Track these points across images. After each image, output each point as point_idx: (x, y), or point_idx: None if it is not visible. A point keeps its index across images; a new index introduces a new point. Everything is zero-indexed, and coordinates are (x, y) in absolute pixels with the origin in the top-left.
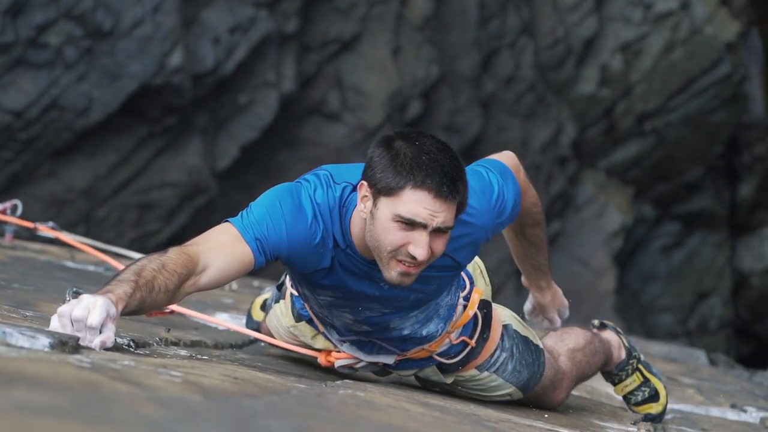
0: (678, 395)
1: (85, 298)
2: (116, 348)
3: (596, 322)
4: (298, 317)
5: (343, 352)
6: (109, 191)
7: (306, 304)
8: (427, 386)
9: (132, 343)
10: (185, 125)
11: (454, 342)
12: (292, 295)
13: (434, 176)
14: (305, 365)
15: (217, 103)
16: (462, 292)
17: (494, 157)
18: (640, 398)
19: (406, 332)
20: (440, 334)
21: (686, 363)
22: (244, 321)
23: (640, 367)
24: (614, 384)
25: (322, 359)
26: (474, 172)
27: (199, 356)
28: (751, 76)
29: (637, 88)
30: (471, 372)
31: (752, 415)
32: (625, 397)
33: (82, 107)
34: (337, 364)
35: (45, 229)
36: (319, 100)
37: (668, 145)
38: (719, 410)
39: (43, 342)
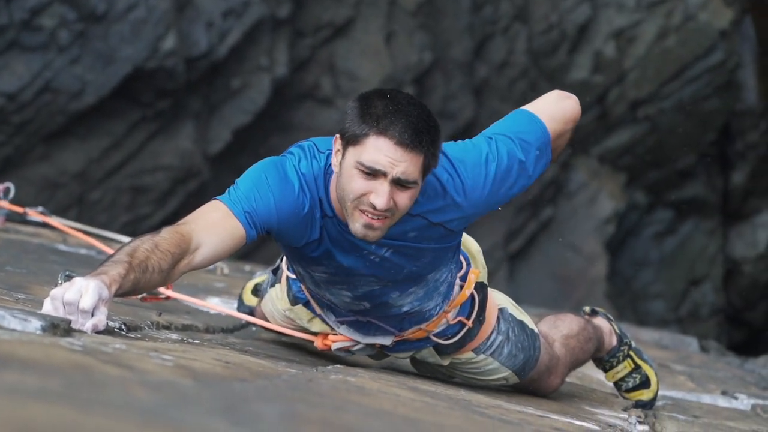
0: (669, 382)
1: (78, 281)
2: (108, 331)
3: (587, 308)
4: (294, 300)
5: (340, 334)
6: (102, 175)
7: (302, 286)
8: (423, 370)
9: (123, 327)
10: (178, 109)
11: (452, 322)
12: (288, 278)
13: (397, 124)
14: (296, 350)
15: (210, 87)
16: (459, 272)
17: (530, 106)
18: (631, 385)
19: (405, 309)
20: (438, 313)
21: (677, 350)
22: (235, 305)
23: (631, 353)
24: (605, 370)
25: (318, 342)
26: (475, 145)
27: (190, 340)
28: (745, 64)
29: (631, 74)
30: (467, 355)
31: (743, 402)
32: (616, 384)
33: (76, 90)
34: (334, 347)
35: (35, 214)
36: (312, 85)
37: (661, 132)
38: (710, 397)
39: (35, 325)
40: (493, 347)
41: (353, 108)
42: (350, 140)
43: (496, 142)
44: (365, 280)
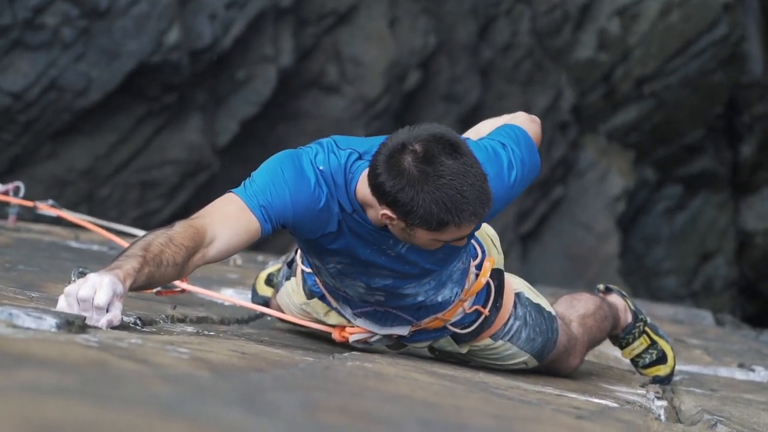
0: (685, 356)
1: (92, 278)
2: (123, 326)
3: (601, 286)
4: (310, 294)
5: (357, 326)
6: (110, 171)
7: (317, 279)
8: (441, 357)
9: (138, 321)
10: (184, 102)
11: (468, 311)
12: (303, 272)
13: (476, 211)
14: (312, 338)
15: (216, 79)
16: (474, 260)
17: (511, 121)
18: (647, 361)
19: (420, 299)
20: (454, 301)
21: (693, 324)
22: (249, 296)
23: (647, 329)
24: (621, 347)
25: (336, 335)
26: (496, 153)
27: (205, 332)
28: (749, 36)
29: (635, 51)
30: (485, 341)
31: (760, 374)
32: (632, 361)
33: (81, 87)
34: (352, 338)
35: (45, 207)
36: (317, 73)
37: (668, 107)
38: (727, 370)
39: (49, 322)
40: (511, 333)
41: (411, 198)
42: (422, 227)
43: (512, 151)
44: (381, 273)
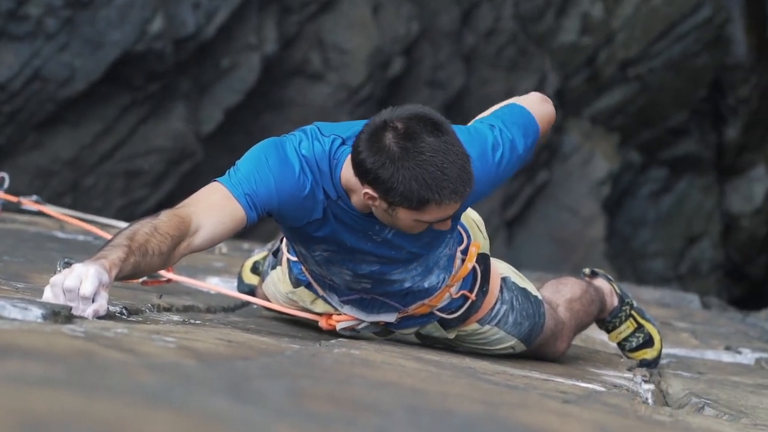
0: (672, 340)
1: (77, 268)
2: (109, 316)
3: (587, 270)
4: (296, 282)
5: (344, 314)
6: (95, 160)
7: (303, 267)
8: (428, 343)
9: (124, 311)
10: (168, 91)
11: (455, 296)
12: (289, 260)
13: (457, 188)
14: (299, 326)
15: (200, 67)
16: (459, 246)
17: (519, 101)
18: (634, 344)
19: (407, 285)
20: (441, 287)
21: (679, 307)
22: (235, 284)
23: (633, 313)
24: (608, 331)
25: (323, 323)
26: (479, 133)
27: (192, 321)
28: (733, 18)
29: (619, 35)
30: (473, 326)
31: (747, 357)
32: (619, 344)
33: (65, 77)
34: (339, 326)
35: (29, 203)
36: (301, 61)
37: (652, 90)
38: (714, 353)
39: (35, 313)
40: (498, 317)
41: (391, 175)
42: (403, 206)
43: (500, 131)
44: (367, 259)
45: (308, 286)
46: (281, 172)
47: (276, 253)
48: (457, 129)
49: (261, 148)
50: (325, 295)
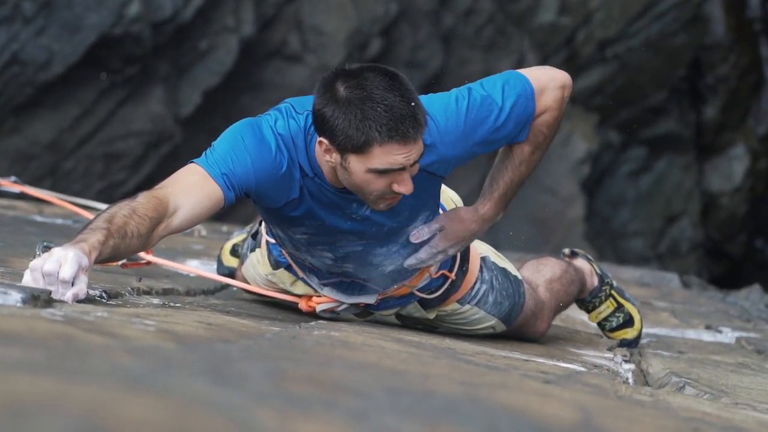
0: (652, 319)
1: (56, 252)
2: (89, 300)
3: (567, 250)
4: (276, 264)
5: (324, 296)
6: (74, 143)
7: (283, 250)
8: (408, 324)
9: (104, 294)
10: (147, 74)
11: (434, 276)
12: (268, 242)
13: (398, 126)
14: (278, 308)
15: (178, 50)
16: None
17: (525, 72)
18: (614, 324)
19: (390, 269)
20: (420, 268)
21: (659, 287)
22: (214, 267)
23: (613, 293)
24: (588, 311)
25: (302, 305)
26: (441, 95)
27: (171, 304)
28: None
29: (597, 14)
30: (452, 306)
31: (728, 336)
32: (599, 324)
33: (43, 61)
34: (319, 308)
35: (8, 184)
36: (279, 43)
37: (630, 70)
38: (695, 332)
39: (15, 297)
40: (478, 297)
41: (334, 115)
42: (348, 149)
43: (469, 88)
44: (347, 238)
45: (288, 268)
46: (258, 151)
47: (255, 235)
48: (422, 97)
49: (237, 129)
50: (304, 277)
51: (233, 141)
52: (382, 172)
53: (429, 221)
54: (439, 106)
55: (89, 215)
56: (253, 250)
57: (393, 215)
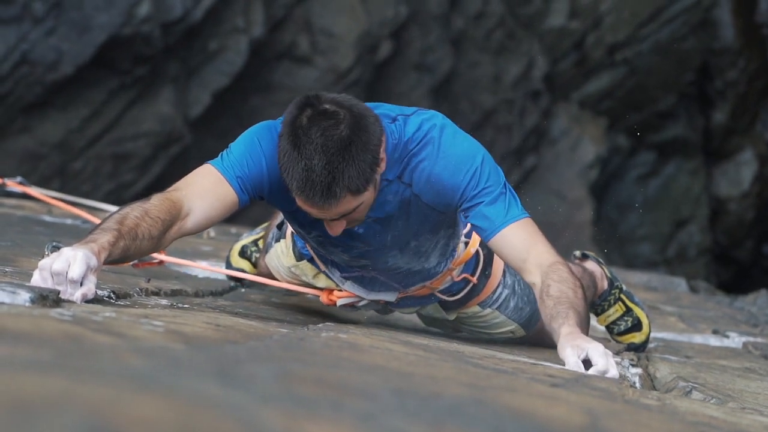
0: (660, 324)
1: (65, 252)
2: (97, 300)
3: (578, 253)
4: (299, 256)
5: (345, 290)
6: (83, 144)
7: (306, 243)
8: (430, 324)
9: (113, 295)
10: (156, 75)
11: (456, 279)
12: (293, 233)
13: (305, 188)
14: (286, 309)
15: (188, 51)
16: (464, 229)
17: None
18: (623, 328)
19: (407, 267)
20: (442, 270)
21: (667, 291)
22: (222, 269)
23: (622, 296)
24: (597, 314)
25: (323, 298)
26: (468, 149)
27: (180, 305)
28: (720, 2)
29: (607, 18)
30: (473, 309)
31: (735, 340)
32: (608, 327)
33: (52, 61)
34: (339, 302)
35: (14, 185)
36: (289, 44)
37: (640, 74)
38: (702, 337)
39: (23, 297)
40: (500, 301)
41: (280, 140)
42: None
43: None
44: (355, 244)
45: (311, 260)
46: (273, 155)
47: (281, 226)
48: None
49: (254, 131)
50: (326, 271)
51: (250, 143)
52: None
53: (446, 235)
54: (458, 166)
55: (93, 219)
56: (278, 240)
57: (386, 229)
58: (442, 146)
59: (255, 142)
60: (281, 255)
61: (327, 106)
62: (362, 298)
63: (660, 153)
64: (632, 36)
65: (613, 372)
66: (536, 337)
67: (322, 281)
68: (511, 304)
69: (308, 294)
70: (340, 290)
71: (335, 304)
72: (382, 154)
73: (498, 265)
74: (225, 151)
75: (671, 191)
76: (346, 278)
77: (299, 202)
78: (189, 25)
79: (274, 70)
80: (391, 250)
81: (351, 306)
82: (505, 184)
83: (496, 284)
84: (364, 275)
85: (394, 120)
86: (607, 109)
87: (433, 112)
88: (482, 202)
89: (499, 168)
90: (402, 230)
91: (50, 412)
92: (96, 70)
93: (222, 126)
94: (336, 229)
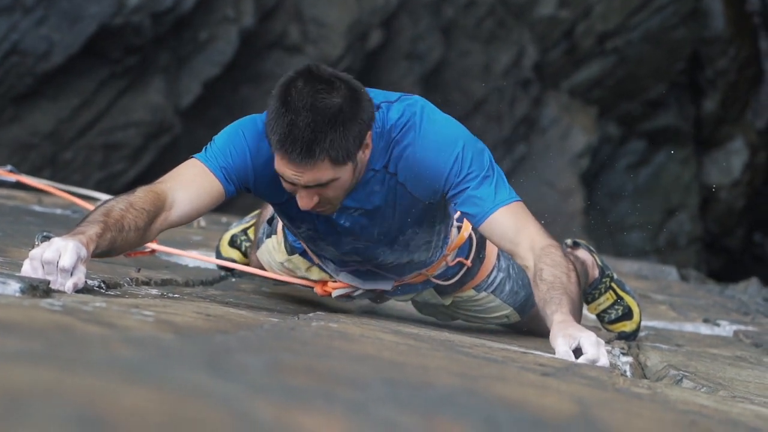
0: (651, 312)
1: (56, 241)
2: (87, 290)
3: (569, 241)
4: (291, 250)
5: (340, 281)
6: (74, 134)
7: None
8: (425, 311)
9: (103, 285)
10: (147, 64)
11: (451, 264)
12: (284, 228)
13: (285, 143)
14: (277, 299)
15: (178, 41)
16: (456, 213)
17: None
18: (613, 316)
19: (401, 260)
20: (437, 259)
21: (657, 280)
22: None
23: (613, 285)
24: (587, 303)
25: (318, 289)
26: (453, 134)
27: (170, 295)
28: None
29: (597, 7)
30: (469, 292)
31: (725, 329)
32: (598, 316)
33: (43, 51)
34: (335, 294)
35: (4, 173)
36: (279, 34)
37: (630, 63)
38: (692, 325)
39: (13, 287)
40: (495, 284)
41: (270, 105)
42: (270, 143)
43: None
44: (344, 239)
45: (303, 253)
46: (257, 146)
47: (271, 221)
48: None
49: (239, 123)
50: (320, 264)
51: (234, 135)
52: (282, 177)
53: (441, 221)
54: (436, 150)
55: (85, 204)
56: (269, 236)
57: (373, 223)
58: (423, 131)
59: (239, 133)
60: (273, 250)
61: (325, 75)
62: (358, 288)
63: (650, 142)
64: (622, 25)
65: (604, 361)
66: (530, 324)
67: (315, 274)
68: (507, 287)
69: (301, 285)
70: (335, 281)
71: (330, 295)
72: (368, 140)
73: (492, 249)
74: (209, 143)
75: (662, 180)
76: (341, 270)
77: (277, 161)
78: (179, 15)
79: (264, 59)
80: (379, 246)
81: (347, 296)
82: (490, 167)
83: (491, 268)
84: (359, 268)
85: (378, 107)
86: (598, 98)
87: (416, 97)
88: (468, 187)
89: (484, 151)
90: (389, 223)
91: (40, 402)
92: (86, 59)
93: (212, 116)
94: (306, 201)
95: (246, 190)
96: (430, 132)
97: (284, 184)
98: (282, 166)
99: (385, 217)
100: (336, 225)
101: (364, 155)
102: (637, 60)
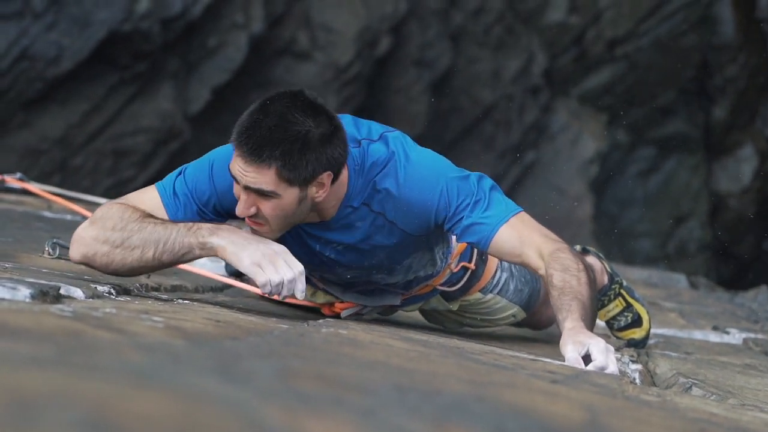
0: (660, 320)
1: (269, 254)
2: (97, 296)
3: (578, 247)
4: None
5: (347, 301)
6: (83, 139)
7: None
8: (433, 320)
9: (113, 290)
10: (156, 70)
11: (455, 270)
12: None
13: (244, 136)
14: (287, 306)
15: (187, 47)
16: None
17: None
18: (623, 323)
19: (403, 280)
20: (443, 268)
21: (667, 287)
22: (222, 264)
23: (623, 292)
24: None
25: (326, 311)
26: (447, 176)
27: (180, 301)
28: None
29: (606, 13)
30: (475, 296)
31: (735, 337)
32: (608, 323)
33: (53, 56)
34: (344, 314)
35: (13, 181)
36: (288, 40)
37: (640, 70)
38: (702, 333)
39: (23, 293)
40: (500, 285)
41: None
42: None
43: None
44: (338, 269)
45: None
46: (223, 181)
47: None
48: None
49: (210, 156)
50: (325, 287)
51: (202, 168)
52: (233, 176)
53: (435, 251)
54: (419, 186)
55: (88, 214)
56: None
57: (363, 256)
58: (405, 170)
59: (206, 167)
60: None
61: (313, 101)
62: (366, 306)
63: (660, 149)
64: (632, 31)
65: (613, 368)
66: (532, 319)
67: (321, 298)
68: (511, 286)
69: (309, 306)
70: (342, 302)
71: (339, 316)
72: (326, 181)
73: None
74: (178, 176)
75: (671, 187)
76: (347, 291)
77: (235, 152)
78: (188, 21)
79: (273, 66)
80: (379, 273)
81: (356, 315)
82: (479, 189)
83: (494, 268)
84: (365, 288)
85: (358, 144)
86: (607, 105)
87: (397, 133)
88: (462, 217)
89: (468, 177)
90: (379, 259)
91: (50, 407)
92: (96, 65)
93: (222, 122)
94: (243, 207)
95: (215, 215)
96: (411, 171)
97: (234, 188)
98: (234, 160)
99: (374, 253)
100: (321, 256)
101: (316, 193)
102: (647, 67)
